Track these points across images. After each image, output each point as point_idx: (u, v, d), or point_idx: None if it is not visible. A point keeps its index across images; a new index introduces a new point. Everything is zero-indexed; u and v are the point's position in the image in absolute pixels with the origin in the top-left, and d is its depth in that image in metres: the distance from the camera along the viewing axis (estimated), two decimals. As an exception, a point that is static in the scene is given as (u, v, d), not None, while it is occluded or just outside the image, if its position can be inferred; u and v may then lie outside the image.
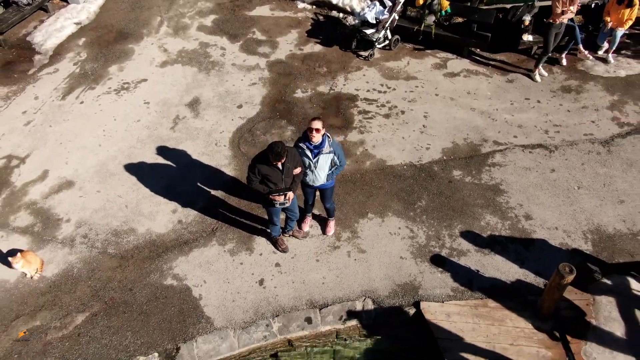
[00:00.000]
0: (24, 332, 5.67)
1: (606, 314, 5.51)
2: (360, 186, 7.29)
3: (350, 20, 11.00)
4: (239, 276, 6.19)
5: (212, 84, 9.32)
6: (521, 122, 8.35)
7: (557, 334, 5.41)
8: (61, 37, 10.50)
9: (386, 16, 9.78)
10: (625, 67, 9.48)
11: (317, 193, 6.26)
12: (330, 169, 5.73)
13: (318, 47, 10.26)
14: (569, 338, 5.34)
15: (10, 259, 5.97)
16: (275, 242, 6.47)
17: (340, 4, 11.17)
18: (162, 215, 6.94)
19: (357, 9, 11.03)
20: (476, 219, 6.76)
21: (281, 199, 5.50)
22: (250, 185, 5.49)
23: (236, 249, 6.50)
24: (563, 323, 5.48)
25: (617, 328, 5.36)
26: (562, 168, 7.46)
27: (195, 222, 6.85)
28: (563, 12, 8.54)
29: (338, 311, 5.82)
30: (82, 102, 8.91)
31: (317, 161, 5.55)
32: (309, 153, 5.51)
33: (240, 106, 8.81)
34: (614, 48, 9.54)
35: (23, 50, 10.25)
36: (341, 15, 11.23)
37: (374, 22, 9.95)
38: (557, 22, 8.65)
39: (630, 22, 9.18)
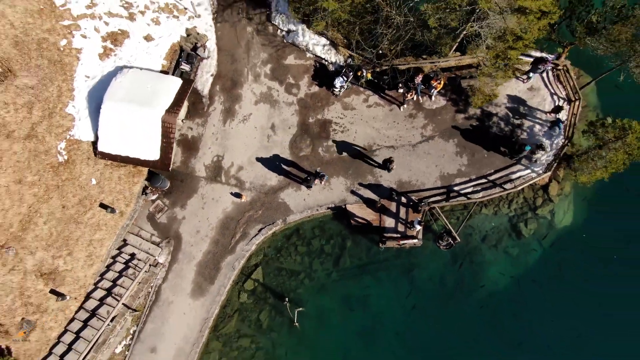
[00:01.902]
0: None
1: (389, 220, 22.79)
2: (333, 163, 23.60)
3: (331, 67, 24.67)
4: (301, 198, 23.38)
5: (276, 114, 24.35)
6: (388, 134, 23.78)
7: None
8: (208, 85, 24.79)
9: (344, 83, 23.77)
10: (436, 102, 23.97)
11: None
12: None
13: (316, 89, 24.53)
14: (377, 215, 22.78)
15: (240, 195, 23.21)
16: (309, 186, 23.31)
17: (325, 58, 24.61)
18: (274, 177, 23.65)
19: (334, 59, 24.53)
20: (368, 172, 23.34)
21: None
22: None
23: (297, 187, 23.47)
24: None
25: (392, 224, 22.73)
26: (400, 155, 23.42)
27: (282, 179, 23.59)
28: (415, 87, 22.78)
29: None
30: (231, 127, 24.35)
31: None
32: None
33: (289, 127, 24.19)
34: (434, 94, 23.79)
35: (196, 95, 24.81)
36: (326, 62, 24.77)
37: (339, 87, 23.90)
38: (410, 95, 23.00)
39: (440, 87, 23.26)
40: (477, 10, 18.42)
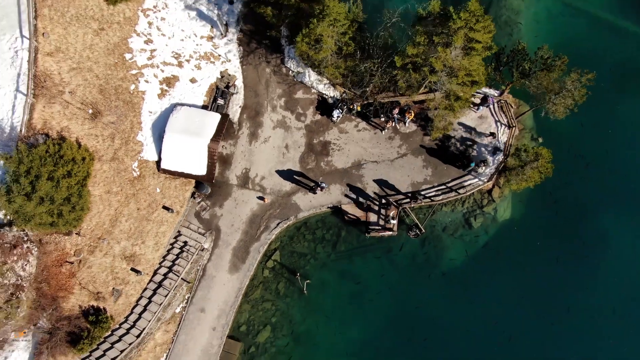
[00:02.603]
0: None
1: (373, 218, 31.15)
2: (332, 174, 31.85)
3: (330, 100, 32.59)
4: (308, 200, 31.68)
5: (289, 137, 32.43)
6: (372, 152, 31.91)
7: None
8: (237, 114, 32.75)
9: (340, 113, 31.74)
10: (409, 128, 32.01)
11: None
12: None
13: (319, 117, 32.54)
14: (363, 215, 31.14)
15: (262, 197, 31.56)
16: (314, 192, 31.56)
17: (326, 94, 32.51)
18: (288, 184, 31.90)
19: (332, 95, 32.44)
20: (357, 180, 31.61)
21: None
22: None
23: (305, 192, 31.76)
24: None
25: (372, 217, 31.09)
26: (382, 167, 31.59)
27: (294, 186, 31.86)
28: (396, 116, 30.83)
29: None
30: (255, 147, 32.46)
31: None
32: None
33: (300, 147, 32.31)
34: (407, 122, 31.81)
35: (229, 122, 32.80)
36: (326, 97, 32.65)
37: (336, 116, 31.84)
38: (391, 123, 31.05)
39: (411, 117, 31.25)
40: (432, 70, 26.24)
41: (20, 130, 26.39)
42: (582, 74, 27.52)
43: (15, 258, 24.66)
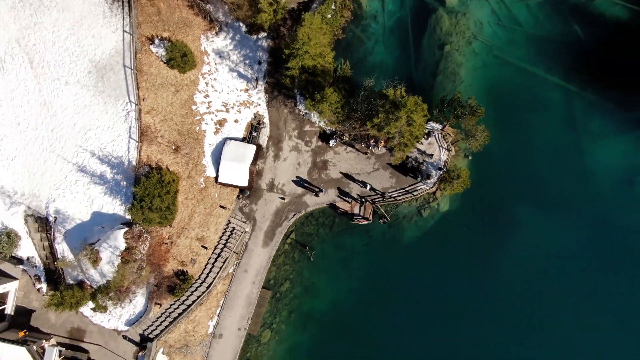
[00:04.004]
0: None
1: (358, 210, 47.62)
2: (329, 182, 48.09)
3: (327, 132, 48.21)
4: (313, 199, 48.11)
5: (300, 157, 48.32)
6: (356, 167, 47.91)
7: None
8: (265, 142, 48.40)
9: (335, 141, 47.49)
10: (381, 151, 47.84)
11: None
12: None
13: (320, 143, 48.30)
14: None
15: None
16: (317, 195, 47.87)
17: (325, 128, 48.10)
18: (300, 189, 48.14)
19: (329, 128, 48.04)
20: (346, 186, 47.88)
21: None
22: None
23: (311, 194, 48.12)
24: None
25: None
26: (362, 177, 47.71)
27: (303, 190, 48.13)
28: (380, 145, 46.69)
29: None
30: (278, 164, 48.42)
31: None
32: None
33: (307, 164, 48.31)
34: (380, 147, 47.56)
35: (260, 148, 48.57)
36: (325, 129, 48.25)
37: (332, 143, 47.53)
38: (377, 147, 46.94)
39: (382, 144, 47.01)
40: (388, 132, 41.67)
41: (134, 163, 42.48)
42: (484, 129, 42.99)
43: (140, 243, 41.37)
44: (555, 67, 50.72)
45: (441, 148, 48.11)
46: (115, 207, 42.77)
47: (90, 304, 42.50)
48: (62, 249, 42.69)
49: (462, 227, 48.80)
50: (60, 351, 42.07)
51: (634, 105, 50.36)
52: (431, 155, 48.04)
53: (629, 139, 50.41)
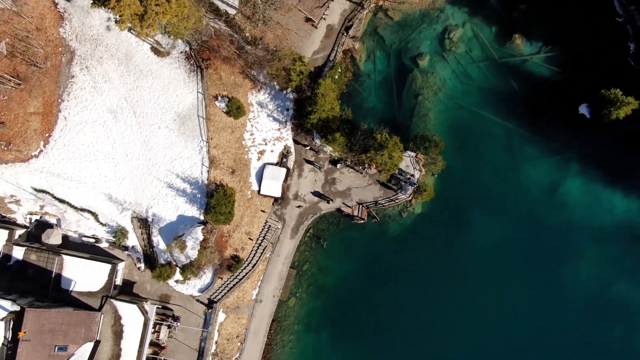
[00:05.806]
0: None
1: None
2: (337, 194, 68.64)
3: (336, 158, 68.65)
4: (326, 205, 68.66)
5: (317, 175, 68.74)
6: (356, 183, 68.33)
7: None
8: (292, 165, 68.93)
9: (341, 164, 67.93)
10: (374, 171, 68.28)
11: (331, 200, 67.90)
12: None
13: (331, 166, 68.71)
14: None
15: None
16: (328, 203, 68.39)
17: (333, 155, 68.55)
18: (316, 198, 68.67)
19: (338, 155, 68.47)
20: (348, 196, 68.42)
21: None
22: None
23: (325, 202, 68.69)
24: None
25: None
26: (360, 190, 68.19)
27: (318, 199, 68.61)
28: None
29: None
30: (301, 180, 68.88)
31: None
32: (331, 201, 67.27)
33: (321, 180, 68.78)
34: (372, 168, 68.04)
35: (288, 170, 69.03)
36: (334, 156, 68.70)
37: (339, 166, 67.93)
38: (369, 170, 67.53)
39: (374, 167, 67.50)
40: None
41: (205, 182, 63.11)
42: (442, 160, 63.47)
43: (211, 236, 61.98)
44: (498, 110, 71.00)
45: (415, 169, 68.55)
46: (193, 212, 63.42)
47: (176, 277, 63.15)
48: (157, 240, 63.37)
49: (431, 224, 69.33)
50: (156, 308, 62.74)
51: (554, 137, 70.66)
52: (408, 174, 68.48)
53: (552, 161, 70.85)
